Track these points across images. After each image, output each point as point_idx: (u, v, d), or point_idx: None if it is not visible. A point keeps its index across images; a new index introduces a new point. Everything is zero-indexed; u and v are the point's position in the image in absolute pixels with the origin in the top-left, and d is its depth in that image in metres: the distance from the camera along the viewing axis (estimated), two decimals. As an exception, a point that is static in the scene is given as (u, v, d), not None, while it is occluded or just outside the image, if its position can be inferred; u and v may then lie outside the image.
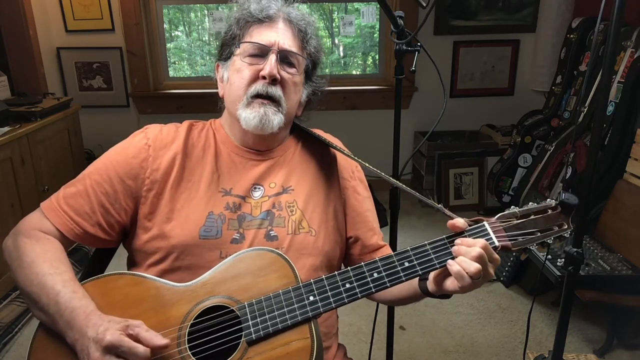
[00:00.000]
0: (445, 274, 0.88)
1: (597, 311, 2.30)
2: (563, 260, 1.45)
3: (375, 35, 3.93)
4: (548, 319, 2.35)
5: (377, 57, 3.95)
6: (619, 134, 2.46)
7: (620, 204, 2.32)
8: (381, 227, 1.19)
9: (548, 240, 0.91)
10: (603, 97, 1.26)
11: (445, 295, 0.92)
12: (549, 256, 2.08)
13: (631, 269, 2.05)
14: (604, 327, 2.20)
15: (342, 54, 4.20)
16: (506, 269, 2.64)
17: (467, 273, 0.82)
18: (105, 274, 0.96)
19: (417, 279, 0.94)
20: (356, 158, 1.12)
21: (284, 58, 1.02)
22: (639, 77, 2.42)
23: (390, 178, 1.09)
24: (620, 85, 2.51)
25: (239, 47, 1.03)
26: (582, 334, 2.24)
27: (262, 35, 1.02)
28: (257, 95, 1.00)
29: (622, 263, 2.09)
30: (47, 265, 0.91)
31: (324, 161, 1.13)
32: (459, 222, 0.90)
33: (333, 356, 1.09)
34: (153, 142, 1.03)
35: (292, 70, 1.03)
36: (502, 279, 2.65)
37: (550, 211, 0.93)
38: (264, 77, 0.99)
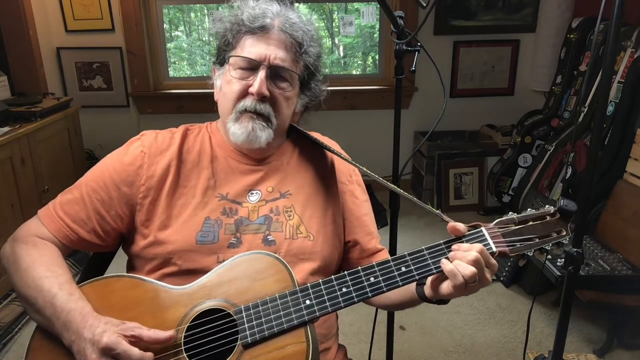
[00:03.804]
0: (442, 278, 0.87)
1: (597, 311, 2.30)
2: (563, 260, 1.45)
3: (375, 35, 3.93)
4: (548, 319, 2.35)
5: (377, 57, 3.95)
6: (619, 134, 2.46)
7: (620, 204, 2.32)
8: (381, 227, 1.19)
9: (546, 247, 0.90)
10: (603, 97, 1.26)
11: (443, 300, 0.91)
12: (549, 256, 2.08)
13: (631, 269, 2.05)
14: (604, 327, 2.20)
15: (342, 54, 4.20)
16: (506, 269, 2.64)
17: (462, 277, 0.82)
18: (103, 276, 0.97)
19: (414, 284, 0.93)
20: (354, 162, 1.11)
21: (275, 73, 1.00)
22: (639, 77, 2.42)
23: (389, 183, 1.08)
24: (620, 85, 2.51)
25: (228, 61, 1.02)
26: (582, 334, 2.24)
27: (253, 48, 0.99)
28: (246, 111, 0.99)
29: (622, 263, 2.09)
30: (43, 269, 0.92)
31: (321, 165, 1.12)
32: (459, 225, 0.89)
33: (333, 357, 1.09)
34: (148, 149, 1.03)
35: (284, 85, 1.02)
36: (502, 279, 2.65)
37: (548, 217, 0.93)
38: (252, 94, 0.98)
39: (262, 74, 0.98)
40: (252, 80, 0.98)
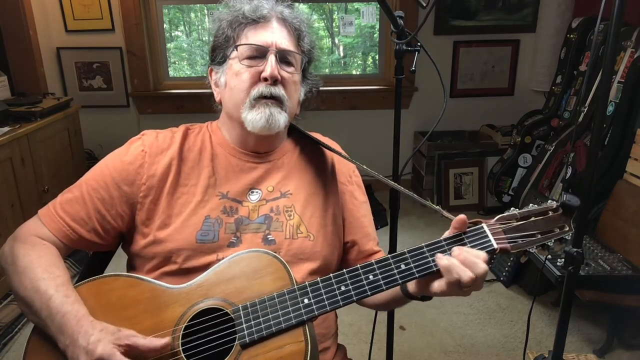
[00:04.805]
0: (434, 276, 0.86)
1: (597, 311, 2.30)
2: (563, 260, 1.45)
3: (375, 35, 3.93)
4: (548, 319, 2.35)
5: (377, 57, 3.95)
6: (619, 134, 2.46)
7: (620, 204, 2.32)
8: (381, 227, 1.19)
9: (549, 243, 0.88)
10: (603, 97, 1.26)
11: (426, 297, 0.91)
12: (549, 256, 2.08)
13: (631, 269, 2.05)
14: (604, 327, 2.19)
15: (342, 54, 4.20)
16: (506, 269, 2.64)
17: (459, 277, 0.80)
18: (101, 275, 0.97)
19: None
20: (354, 161, 1.12)
21: (283, 58, 1.02)
22: (639, 77, 2.42)
23: (389, 181, 1.09)
24: (620, 85, 2.50)
25: (235, 50, 1.02)
26: (582, 334, 2.24)
27: (258, 36, 1.01)
28: (261, 97, 0.99)
29: (622, 263, 2.09)
30: (41, 270, 0.91)
31: (322, 165, 1.12)
32: (461, 216, 0.88)
33: (332, 357, 1.09)
34: (149, 149, 1.03)
35: (291, 69, 1.03)
36: (502, 279, 2.65)
37: (551, 213, 0.91)
38: (265, 79, 0.98)
39: (272, 58, 0.99)
40: (262, 66, 0.99)
